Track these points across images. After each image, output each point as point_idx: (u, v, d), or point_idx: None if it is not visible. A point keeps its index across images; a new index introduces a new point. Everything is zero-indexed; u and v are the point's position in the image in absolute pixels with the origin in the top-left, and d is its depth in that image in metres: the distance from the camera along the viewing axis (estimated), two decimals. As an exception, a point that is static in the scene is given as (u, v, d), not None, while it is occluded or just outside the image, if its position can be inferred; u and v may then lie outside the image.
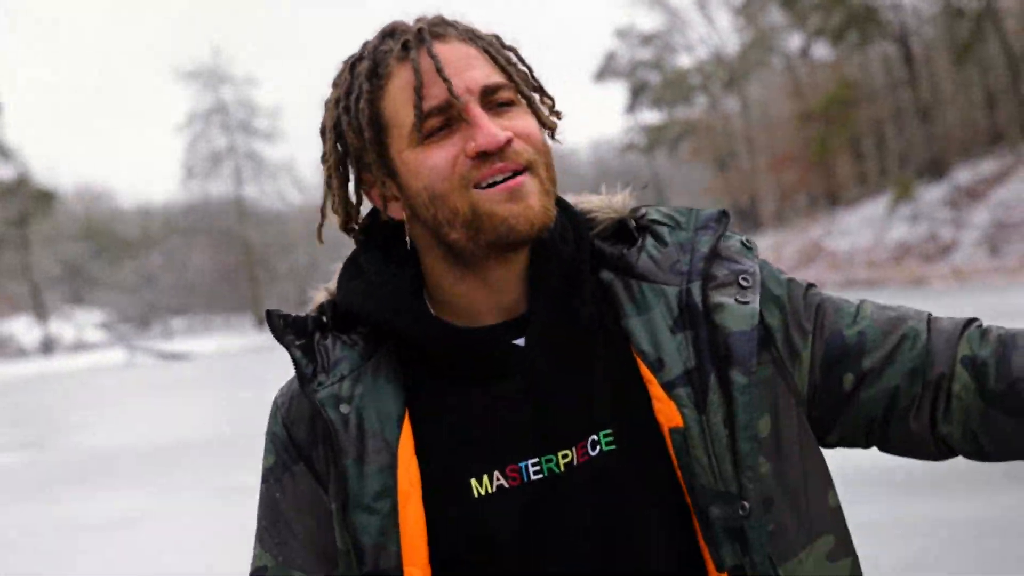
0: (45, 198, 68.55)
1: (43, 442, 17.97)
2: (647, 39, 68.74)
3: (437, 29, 1.43)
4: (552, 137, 1.47)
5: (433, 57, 1.39)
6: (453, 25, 1.45)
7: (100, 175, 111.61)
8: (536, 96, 1.49)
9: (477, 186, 1.37)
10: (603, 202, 1.53)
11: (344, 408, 1.44)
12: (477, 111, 1.38)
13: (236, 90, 70.59)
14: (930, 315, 1.49)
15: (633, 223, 1.51)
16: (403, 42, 1.42)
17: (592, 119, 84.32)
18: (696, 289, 1.41)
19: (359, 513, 1.40)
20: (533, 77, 1.49)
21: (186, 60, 79.18)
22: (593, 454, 1.40)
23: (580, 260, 1.45)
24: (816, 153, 55.63)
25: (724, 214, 1.48)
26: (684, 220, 1.49)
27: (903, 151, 53.45)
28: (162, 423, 18.11)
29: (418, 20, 1.46)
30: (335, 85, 1.48)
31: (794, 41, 62.17)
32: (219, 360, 29.20)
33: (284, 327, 1.49)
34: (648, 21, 67.31)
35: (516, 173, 1.38)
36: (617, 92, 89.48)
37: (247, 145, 71.50)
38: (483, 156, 1.37)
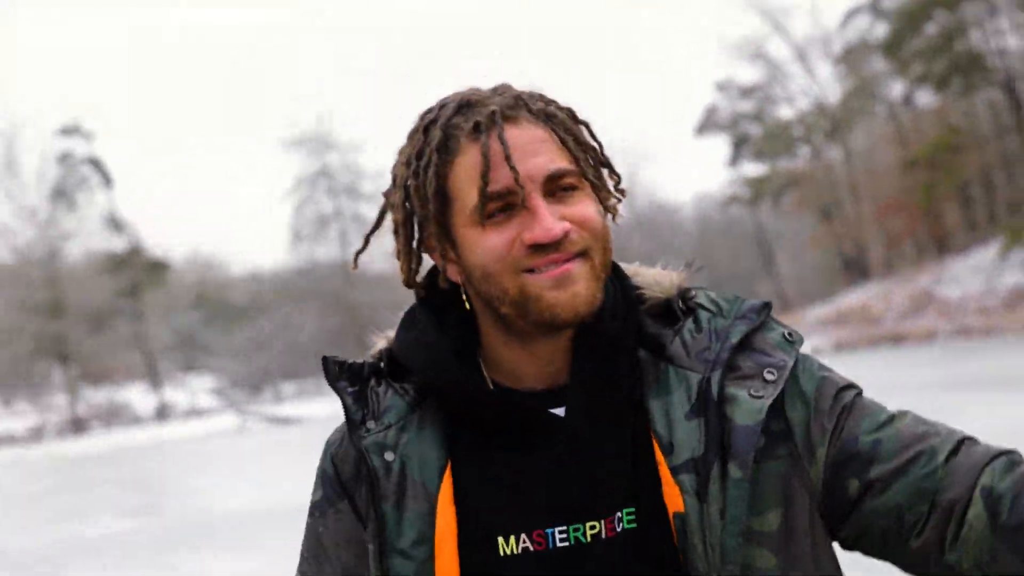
0: (157, 268, 69.96)
1: (157, 508, 18.20)
2: (747, 92, 68.45)
3: (510, 112, 1.46)
4: (613, 219, 1.53)
5: (502, 142, 1.43)
6: (527, 104, 1.48)
7: (210, 243, 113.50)
8: (603, 173, 1.54)
9: (528, 271, 1.42)
10: (656, 278, 1.57)
11: (388, 455, 1.50)
12: (538, 201, 1.43)
13: (341, 155, 71.58)
14: (966, 437, 1.47)
15: (680, 303, 1.53)
16: (475, 123, 1.45)
17: (695, 173, 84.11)
18: (716, 378, 1.43)
19: (395, 557, 1.46)
20: (601, 154, 1.53)
21: (293, 129, 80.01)
22: (618, 530, 1.43)
23: (624, 336, 1.48)
24: (922, 200, 54.77)
25: (767, 306, 1.51)
26: (727, 308, 1.51)
27: (1012, 197, 52.41)
28: (274, 487, 18.24)
29: (495, 93, 1.50)
30: (409, 138, 1.53)
31: (896, 88, 61.52)
32: (329, 424, 29.33)
33: (339, 373, 1.57)
34: (748, 74, 66.88)
35: (568, 260, 1.43)
36: (719, 145, 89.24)
37: (352, 208, 72.36)
38: (538, 246, 1.41)
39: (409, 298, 1.65)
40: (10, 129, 64.16)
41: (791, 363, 1.46)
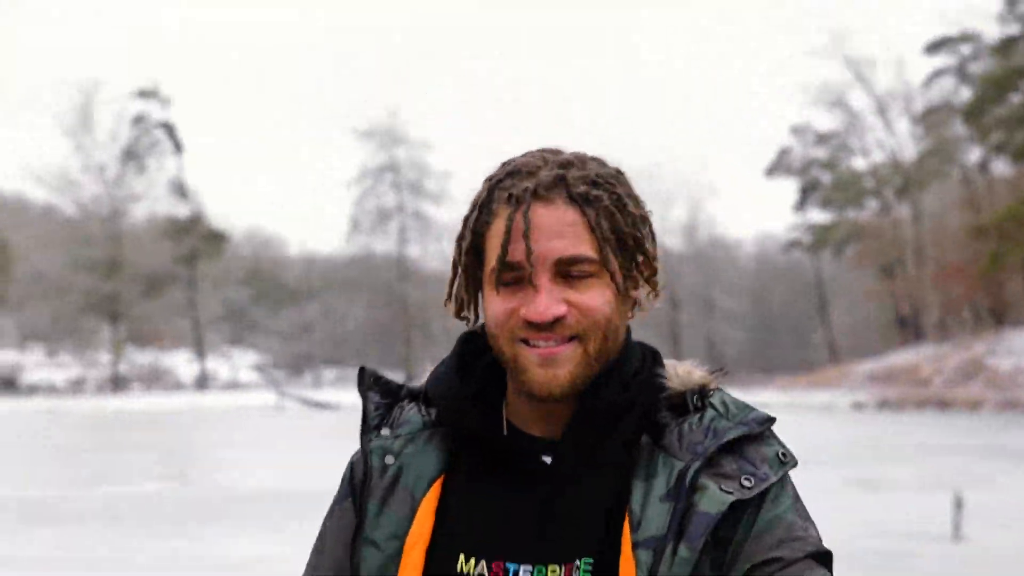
0: (216, 239, 70.51)
1: (185, 476, 18.37)
2: (823, 138, 68.15)
3: (544, 192, 1.52)
4: (637, 308, 1.58)
5: (526, 219, 1.50)
6: (568, 185, 1.52)
7: (269, 221, 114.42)
8: (637, 261, 1.55)
9: (524, 341, 1.52)
10: (680, 371, 1.61)
11: (388, 459, 1.61)
12: (543, 281, 1.51)
13: (409, 151, 71.86)
14: None
15: (695, 399, 1.57)
16: (509, 194, 1.53)
17: (759, 212, 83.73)
18: (695, 467, 1.49)
19: (367, 547, 1.57)
20: (638, 243, 1.55)
21: (362, 118, 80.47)
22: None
23: (623, 413, 1.55)
24: (986, 268, 54.28)
25: (770, 419, 1.55)
26: (734, 412, 1.56)
27: (1078, 275, 51.81)
28: (300, 470, 18.32)
29: (547, 164, 1.56)
30: (480, 190, 1.61)
31: (973, 153, 61.08)
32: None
33: (372, 384, 1.68)
34: (825, 120, 66.51)
35: (561, 342, 1.51)
36: (787, 188, 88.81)
37: (415, 205, 72.66)
38: (532, 324, 1.50)
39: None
40: (90, 85, 64.65)
41: (773, 481, 1.51)
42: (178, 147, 68.04)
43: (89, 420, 34.34)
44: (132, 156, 66.10)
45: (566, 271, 1.51)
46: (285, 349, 74.85)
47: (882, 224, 65.91)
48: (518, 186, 1.53)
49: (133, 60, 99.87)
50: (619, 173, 1.58)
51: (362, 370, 1.68)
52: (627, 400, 1.55)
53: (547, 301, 1.50)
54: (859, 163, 68.12)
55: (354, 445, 1.66)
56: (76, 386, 58.91)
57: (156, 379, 63.72)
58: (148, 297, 65.11)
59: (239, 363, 71.99)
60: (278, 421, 35.29)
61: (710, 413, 1.55)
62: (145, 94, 66.98)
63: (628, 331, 1.61)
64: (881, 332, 65.72)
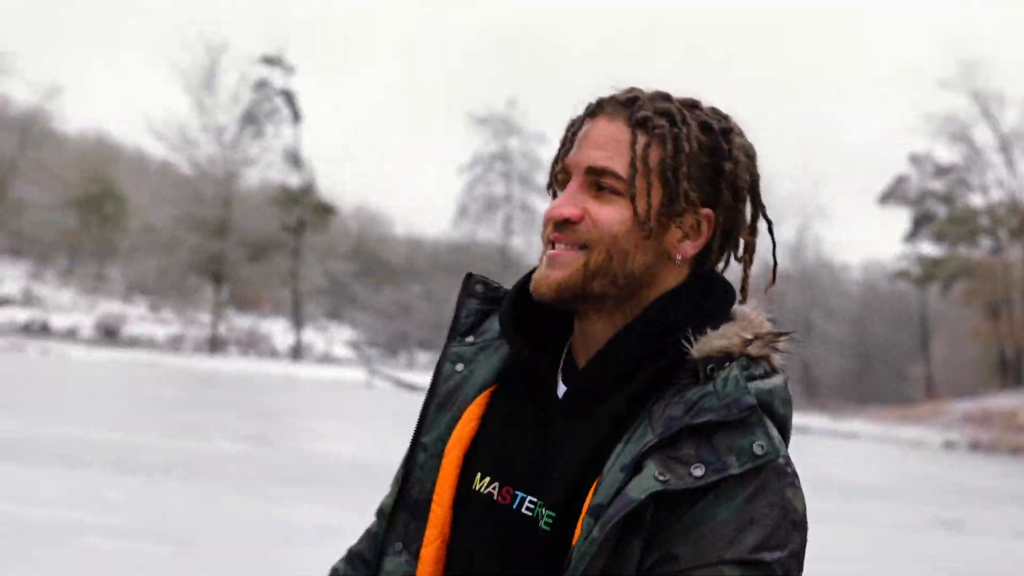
0: (324, 211, 71.16)
1: (270, 440, 18.57)
2: (942, 170, 66.95)
3: (611, 109, 1.55)
4: (649, 234, 1.52)
5: (583, 128, 1.56)
6: (632, 106, 1.55)
7: (378, 199, 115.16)
8: (677, 194, 1.53)
9: (549, 243, 1.55)
10: (717, 336, 1.51)
11: (459, 367, 1.67)
12: (571, 185, 1.55)
13: (523, 142, 71.94)
14: None
15: (710, 368, 1.48)
16: (589, 104, 1.58)
17: (868, 239, 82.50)
18: (652, 445, 1.42)
19: (419, 448, 1.64)
20: (677, 179, 1.52)
21: (479, 105, 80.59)
22: (541, 522, 1.50)
23: (633, 368, 1.50)
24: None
25: (754, 408, 1.43)
26: (722, 391, 1.45)
27: None
28: (386, 445, 18.41)
29: (640, 94, 1.57)
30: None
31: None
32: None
33: (476, 291, 1.72)
34: (947, 153, 65.27)
35: (569, 246, 1.52)
36: (899, 217, 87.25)
37: (523, 196, 72.74)
38: (552, 222, 1.53)
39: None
40: (217, 46, 65.52)
41: (732, 473, 1.40)
42: (297, 116, 68.73)
43: (184, 376, 34.93)
44: (251, 120, 66.87)
45: (596, 181, 1.53)
46: (381, 328, 75.37)
47: (993, 263, 64.62)
48: (597, 103, 1.58)
49: (260, 25, 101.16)
50: (719, 125, 1.56)
51: (468, 276, 1.73)
52: (636, 357, 1.50)
53: (564, 201, 1.54)
54: (976, 200, 66.83)
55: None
56: (175, 342, 59.89)
57: (252, 344, 64.54)
58: (252, 262, 65.92)
59: (335, 337, 72.66)
60: (367, 398, 35.59)
61: (709, 387, 1.45)
62: (270, 60, 67.75)
63: (686, 286, 1.55)
64: (981, 373, 64.41)
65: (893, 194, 68.93)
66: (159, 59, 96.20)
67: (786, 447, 1.47)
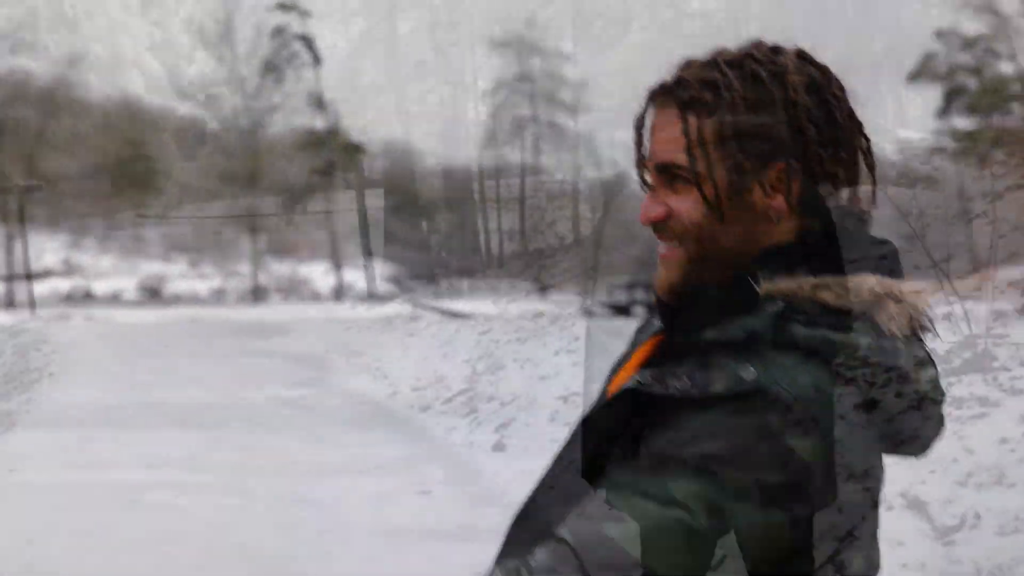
0: (353, 151, 71.01)
1: (322, 383, 18.65)
2: (969, 43, 65.89)
3: (661, 96, 1.53)
4: (721, 218, 1.49)
5: (647, 120, 1.55)
6: (680, 87, 1.51)
7: (404, 133, 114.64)
8: (738, 166, 1.48)
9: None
10: (834, 293, 1.45)
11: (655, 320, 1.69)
12: (654, 185, 1.55)
13: (545, 61, 71.21)
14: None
15: (779, 306, 1.43)
16: (650, 90, 1.55)
17: (899, 119, 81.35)
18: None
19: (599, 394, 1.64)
20: (737, 142, 1.48)
21: (499, 29, 79.82)
22: None
23: (690, 348, 1.47)
24: None
25: (760, 338, 1.40)
26: (750, 323, 1.42)
27: None
28: (434, 377, 18.42)
29: (689, 66, 1.53)
30: None
31: None
32: (497, 320, 29.87)
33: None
34: (972, 25, 64.03)
35: (670, 246, 1.53)
36: (929, 95, 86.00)
37: (549, 115, 72.16)
38: (648, 225, 1.55)
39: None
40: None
41: (715, 391, 1.36)
42: (316, 59, 68.48)
43: (230, 328, 35.16)
44: (271, 69, 66.74)
45: (668, 175, 1.52)
46: (421, 260, 75.43)
47: (1027, 130, 63.76)
48: (655, 87, 1.55)
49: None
50: (769, 70, 1.48)
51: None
52: (696, 331, 1.46)
53: (647, 203, 1.54)
54: (1006, 67, 65.79)
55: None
56: (218, 296, 60.18)
57: (294, 289, 64.76)
58: (286, 209, 65.99)
59: (375, 274, 72.86)
60: (413, 329, 35.73)
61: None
62: (284, 6, 67.36)
63: (774, 253, 1.48)
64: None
65: (922, 72, 67.96)
66: (172, 16, 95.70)
67: (824, 417, 1.36)
